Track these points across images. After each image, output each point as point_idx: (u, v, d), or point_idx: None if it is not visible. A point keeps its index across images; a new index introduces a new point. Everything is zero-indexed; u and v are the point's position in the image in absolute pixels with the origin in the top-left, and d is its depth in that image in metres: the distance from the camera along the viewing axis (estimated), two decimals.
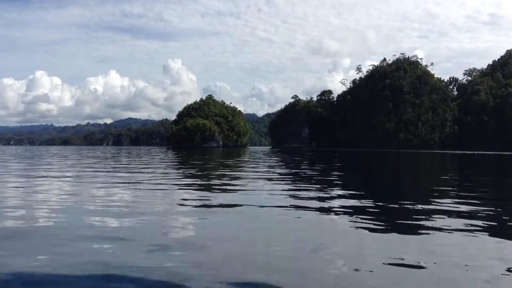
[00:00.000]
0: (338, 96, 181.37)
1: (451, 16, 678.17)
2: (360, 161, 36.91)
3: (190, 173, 18.20)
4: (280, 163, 28.53)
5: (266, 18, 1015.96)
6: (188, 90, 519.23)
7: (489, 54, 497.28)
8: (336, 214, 7.21)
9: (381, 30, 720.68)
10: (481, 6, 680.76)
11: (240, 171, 19.38)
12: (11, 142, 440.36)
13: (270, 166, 22.76)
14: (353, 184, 14.30)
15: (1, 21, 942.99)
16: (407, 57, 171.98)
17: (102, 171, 18.35)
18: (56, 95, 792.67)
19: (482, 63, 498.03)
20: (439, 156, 52.38)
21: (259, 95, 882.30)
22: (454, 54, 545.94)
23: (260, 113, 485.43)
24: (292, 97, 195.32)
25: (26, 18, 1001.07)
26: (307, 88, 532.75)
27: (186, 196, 9.83)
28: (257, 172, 18.19)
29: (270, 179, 14.35)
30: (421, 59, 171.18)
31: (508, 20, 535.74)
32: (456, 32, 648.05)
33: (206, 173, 18.30)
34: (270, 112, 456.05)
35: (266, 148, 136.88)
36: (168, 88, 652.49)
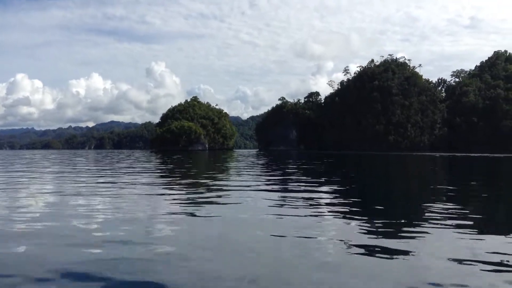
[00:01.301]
0: (326, 98, 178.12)
1: (432, 19, 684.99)
2: (351, 166, 33.30)
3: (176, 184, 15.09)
4: (272, 169, 25.19)
5: (250, 21, 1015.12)
6: (172, 93, 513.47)
7: (470, 57, 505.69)
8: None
9: (363, 33, 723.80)
10: (462, 10, 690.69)
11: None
12: None
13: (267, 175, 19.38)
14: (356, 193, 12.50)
15: None
16: (394, 58, 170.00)
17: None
18: (38, 98, 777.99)
19: (462, 66, 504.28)
20: (431, 159, 50.17)
21: (243, 98, 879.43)
22: (435, 57, 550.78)
23: (245, 116, 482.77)
24: (279, 99, 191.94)
25: (7, 21, 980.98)
26: (291, 91, 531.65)
27: (171, 207, 8.72)
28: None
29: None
30: (409, 60, 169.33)
31: (488, 23, 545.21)
32: (437, 35, 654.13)
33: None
34: (255, 115, 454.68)
35: (253, 151, 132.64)
36: (151, 91, 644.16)
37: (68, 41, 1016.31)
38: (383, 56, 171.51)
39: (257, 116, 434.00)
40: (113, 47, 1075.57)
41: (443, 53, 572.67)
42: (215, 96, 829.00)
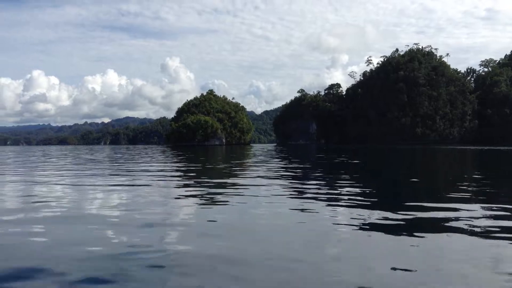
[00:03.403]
0: (348, 89, 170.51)
1: (448, 11, 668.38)
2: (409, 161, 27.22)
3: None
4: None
5: (263, 15, 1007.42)
6: (186, 88, 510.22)
7: (486, 49, 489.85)
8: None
9: (378, 25, 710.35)
10: (478, 1, 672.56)
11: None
12: (8, 143, 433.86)
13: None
14: None
15: None
16: (420, 47, 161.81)
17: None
18: (54, 95, 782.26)
19: (478, 59, 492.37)
20: (462, 152, 44.76)
21: (257, 92, 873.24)
22: (451, 49, 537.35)
23: (258, 111, 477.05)
24: (298, 91, 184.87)
25: (22, 18, 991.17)
26: (305, 85, 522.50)
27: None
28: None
29: None
30: (435, 49, 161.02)
31: (505, 15, 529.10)
32: (453, 27, 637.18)
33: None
34: (269, 109, 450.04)
35: (269, 146, 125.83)
36: (166, 86, 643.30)
37: (83, 37, 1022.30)
38: (408, 45, 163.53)
39: (271, 110, 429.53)
40: (127, 43, 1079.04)
41: (459, 46, 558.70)
42: (229, 91, 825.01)
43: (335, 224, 5.90)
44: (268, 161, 24.98)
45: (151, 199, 8.35)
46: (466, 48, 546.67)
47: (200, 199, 8.31)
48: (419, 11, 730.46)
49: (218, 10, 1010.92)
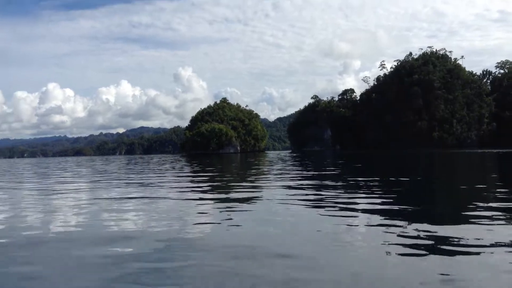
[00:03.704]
0: (362, 94, 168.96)
1: (460, 14, 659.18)
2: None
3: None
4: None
5: (274, 23, 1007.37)
6: (199, 97, 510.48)
7: (500, 52, 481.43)
8: None
9: (390, 30, 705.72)
10: (490, 4, 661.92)
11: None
12: (25, 155, 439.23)
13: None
14: None
15: (13, 35, 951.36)
16: (434, 50, 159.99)
17: None
18: (69, 107, 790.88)
19: (493, 61, 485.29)
20: (481, 156, 43.55)
21: (270, 99, 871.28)
22: (464, 52, 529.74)
23: (272, 118, 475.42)
24: (312, 97, 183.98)
25: (37, 32, 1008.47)
26: (318, 91, 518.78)
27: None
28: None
29: None
30: (450, 52, 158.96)
31: None
32: (465, 30, 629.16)
33: None
34: (282, 116, 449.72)
35: (284, 153, 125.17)
36: (179, 95, 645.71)
37: (96, 50, 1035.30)
38: (421, 49, 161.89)
39: (284, 117, 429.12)
40: (140, 54, 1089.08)
41: (473, 48, 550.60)
42: (242, 98, 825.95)
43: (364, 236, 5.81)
44: (292, 171, 24.53)
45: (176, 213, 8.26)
46: (479, 51, 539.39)
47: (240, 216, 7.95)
48: (431, 15, 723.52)
49: (228, 19, 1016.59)
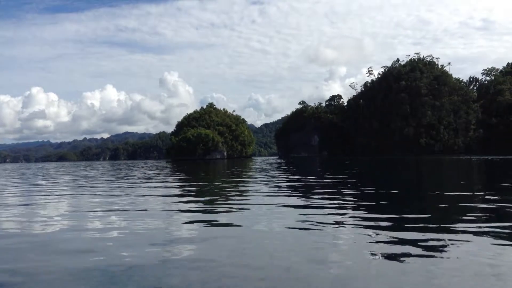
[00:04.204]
0: (349, 100, 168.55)
1: (444, 22, 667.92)
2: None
3: None
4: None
5: (260, 29, 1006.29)
6: (185, 102, 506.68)
7: (483, 60, 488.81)
8: None
9: (375, 38, 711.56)
10: (474, 12, 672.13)
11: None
12: (7, 160, 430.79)
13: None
14: None
15: None
16: (421, 57, 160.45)
17: None
18: (53, 111, 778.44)
19: (476, 68, 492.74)
20: (468, 162, 43.06)
21: (256, 105, 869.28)
22: (448, 60, 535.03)
23: (258, 124, 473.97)
24: (299, 103, 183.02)
25: (20, 35, 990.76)
26: (304, 97, 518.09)
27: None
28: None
29: None
30: (437, 58, 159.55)
31: (501, 24, 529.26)
32: (449, 38, 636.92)
33: None
34: (268, 122, 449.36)
35: (271, 159, 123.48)
36: (165, 100, 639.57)
37: (81, 53, 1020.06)
38: (409, 55, 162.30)
39: (270, 123, 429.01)
40: (126, 59, 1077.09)
41: (456, 56, 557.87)
42: (228, 104, 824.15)
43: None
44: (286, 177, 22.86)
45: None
46: (463, 58, 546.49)
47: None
48: (415, 23, 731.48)
49: (215, 24, 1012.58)
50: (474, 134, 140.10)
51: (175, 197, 12.95)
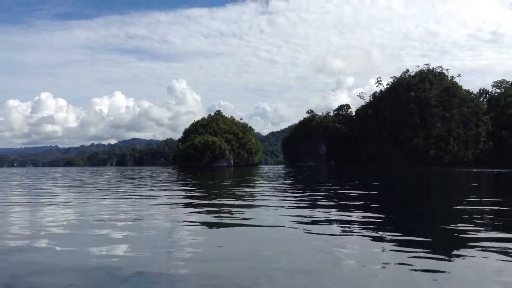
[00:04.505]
0: (357, 110, 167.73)
1: (452, 34, 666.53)
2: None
3: None
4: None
5: (269, 38, 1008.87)
6: (193, 110, 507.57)
7: (492, 72, 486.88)
8: None
9: (383, 49, 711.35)
10: (483, 24, 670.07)
11: None
12: (15, 164, 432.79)
13: None
14: None
15: (6, 44, 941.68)
16: (431, 68, 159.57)
17: None
18: (61, 117, 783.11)
19: (484, 81, 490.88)
20: (478, 175, 41.67)
21: (263, 114, 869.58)
22: (456, 72, 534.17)
23: (265, 132, 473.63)
24: (307, 112, 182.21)
25: (31, 41, 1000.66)
26: (311, 106, 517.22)
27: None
28: None
29: None
30: (447, 70, 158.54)
31: (510, 37, 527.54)
32: (457, 50, 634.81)
33: None
34: (275, 130, 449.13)
35: (278, 167, 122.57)
36: (172, 108, 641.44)
37: (91, 60, 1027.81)
38: (418, 66, 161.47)
39: (277, 132, 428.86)
40: (135, 66, 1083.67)
41: (464, 68, 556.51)
42: (235, 112, 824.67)
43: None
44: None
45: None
46: (471, 70, 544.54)
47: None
48: (423, 35, 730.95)
49: (224, 33, 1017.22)
50: (484, 146, 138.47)
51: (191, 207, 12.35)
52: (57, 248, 6.18)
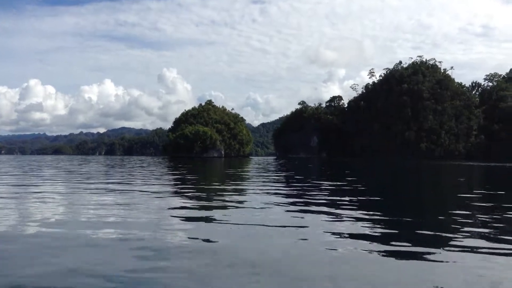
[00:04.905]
0: (350, 102, 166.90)
1: (444, 27, 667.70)
2: None
3: None
4: None
5: (261, 28, 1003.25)
6: (183, 99, 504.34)
7: (482, 66, 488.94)
8: None
9: (375, 40, 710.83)
10: (474, 18, 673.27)
11: None
12: (2, 152, 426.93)
13: None
14: None
15: None
16: (424, 60, 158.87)
17: None
18: (50, 104, 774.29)
19: (475, 75, 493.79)
20: (470, 168, 42.16)
21: (254, 105, 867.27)
22: (447, 65, 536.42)
23: (255, 123, 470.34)
24: (299, 103, 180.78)
25: (19, 27, 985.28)
26: (302, 98, 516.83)
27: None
28: None
29: None
30: (440, 62, 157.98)
31: (500, 31, 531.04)
32: (449, 43, 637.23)
33: None
34: (265, 122, 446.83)
35: (270, 159, 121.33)
36: (163, 97, 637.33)
37: (80, 47, 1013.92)
38: (412, 58, 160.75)
39: (268, 123, 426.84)
40: (124, 54, 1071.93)
41: (455, 61, 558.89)
42: (226, 103, 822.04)
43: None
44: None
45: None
46: (462, 64, 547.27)
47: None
48: (416, 27, 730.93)
49: (215, 22, 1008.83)
50: (476, 140, 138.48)
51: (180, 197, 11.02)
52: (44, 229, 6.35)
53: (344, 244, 5.69)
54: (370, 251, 5.28)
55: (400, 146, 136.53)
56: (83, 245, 5.49)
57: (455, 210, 9.35)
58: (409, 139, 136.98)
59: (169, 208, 9.12)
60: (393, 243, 5.77)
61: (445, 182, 21.87)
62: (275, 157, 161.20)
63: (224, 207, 9.33)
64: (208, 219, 7.65)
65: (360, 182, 18.13)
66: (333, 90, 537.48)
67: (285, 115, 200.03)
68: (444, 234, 6.50)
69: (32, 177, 20.34)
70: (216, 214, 8.27)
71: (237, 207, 9.31)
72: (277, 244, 5.70)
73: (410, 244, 5.68)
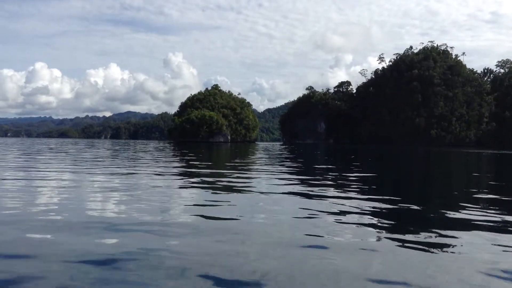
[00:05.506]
0: (358, 87, 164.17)
1: (452, 13, 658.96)
2: None
3: None
4: None
5: (267, 13, 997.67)
6: (189, 84, 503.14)
7: (490, 53, 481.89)
8: None
9: (382, 26, 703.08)
10: (483, 5, 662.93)
11: None
12: (9, 134, 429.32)
13: None
14: None
15: (1, 13, 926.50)
16: (435, 45, 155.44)
17: None
18: (56, 87, 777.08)
19: (483, 62, 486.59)
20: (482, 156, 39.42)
21: (260, 90, 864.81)
22: (455, 52, 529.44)
23: (261, 108, 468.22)
24: (307, 89, 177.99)
25: (26, 10, 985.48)
26: (308, 83, 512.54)
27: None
28: None
29: None
30: (451, 48, 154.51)
31: (509, 18, 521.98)
32: (457, 30, 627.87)
33: None
34: (271, 107, 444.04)
35: (277, 144, 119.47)
36: (168, 81, 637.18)
37: (86, 31, 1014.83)
38: (422, 43, 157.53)
39: (273, 108, 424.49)
40: (130, 37, 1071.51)
41: (463, 48, 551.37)
42: (232, 88, 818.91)
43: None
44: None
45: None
46: (470, 51, 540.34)
47: None
48: (424, 13, 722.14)
49: (221, 6, 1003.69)
50: (487, 127, 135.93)
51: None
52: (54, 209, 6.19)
53: (351, 232, 5.29)
54: (379, 239, 4.94)
55: (410, 132, 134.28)
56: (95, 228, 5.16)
57: (466, 203, 8.17)
58: (419, 125, 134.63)
59: (178, 189, 9.14)
60: (401, 233, 5.28)
61: (458, 171, 20.23)
62: (281, 143, 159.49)
63: (233, 190, 9.08)
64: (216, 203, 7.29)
65: (370, 171, 16.93)
66: (340, 76, 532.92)
67: (291, 100, 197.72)
68: (455, 224, 5.94)
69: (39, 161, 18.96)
70: (223, 198, 7.92)
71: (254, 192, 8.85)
72: (286, 226, 5.43)
73: (421, 235, 5.17)
